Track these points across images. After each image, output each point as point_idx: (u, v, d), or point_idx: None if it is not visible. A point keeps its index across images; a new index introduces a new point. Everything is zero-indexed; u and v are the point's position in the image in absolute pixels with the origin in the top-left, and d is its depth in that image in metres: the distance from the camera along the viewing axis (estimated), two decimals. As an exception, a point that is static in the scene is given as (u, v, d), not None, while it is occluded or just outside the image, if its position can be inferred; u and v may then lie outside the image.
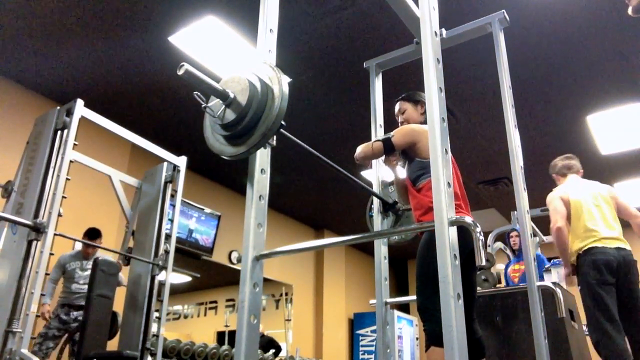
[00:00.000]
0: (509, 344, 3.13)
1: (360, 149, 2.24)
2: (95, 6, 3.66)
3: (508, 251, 4.94)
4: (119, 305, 3.62)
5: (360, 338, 8.20)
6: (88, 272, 4.07)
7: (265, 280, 4.41)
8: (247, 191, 1.43)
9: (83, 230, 4.17)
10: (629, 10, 1.91)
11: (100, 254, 4.20)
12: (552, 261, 3.92)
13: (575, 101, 4.69)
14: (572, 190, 3.29)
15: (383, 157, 2.31)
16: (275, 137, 1.39)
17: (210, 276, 7.65)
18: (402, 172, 2.40)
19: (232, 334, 7.17)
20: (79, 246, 4.23)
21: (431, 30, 1.47)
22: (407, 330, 8.44)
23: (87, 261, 4.15)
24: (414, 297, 2.15)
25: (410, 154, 2.22)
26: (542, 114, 4.89)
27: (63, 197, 2.90)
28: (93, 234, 4.11)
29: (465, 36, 2.68)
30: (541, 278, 3.79)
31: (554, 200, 3.25)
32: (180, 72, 1.27)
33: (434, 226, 1.21)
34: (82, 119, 3.09)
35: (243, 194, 1.50)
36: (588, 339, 3.43)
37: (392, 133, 2.23)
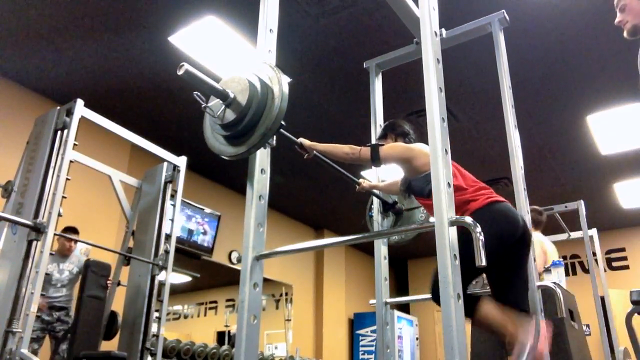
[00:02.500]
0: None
1: (348, 149, 2.08)
2: (95, 6, 3.66)
3: None
4: (118, 305, 3.62)
5: (360, 338, 8.20)
6: (66, 275, 4.05)
7: (265, 280, 4.41)
8: (247, 191, 1.43)
9: (83, 230, 4.16)
10: (625, 34, 1.95)
11: (77, 254, 4.16)
12: (552, 261, 3.92)
13: (575, 101, 4.69)
14: (546, 242, 4.04)
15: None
16: (275, 137, 1.39)
17: (210, 276, 7.64)
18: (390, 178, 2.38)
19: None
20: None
21: (431, 30, 1.47)
22: (407, 330, 8.44)
23: (64, 262, 4.06)
24: (414, 297, 2.16)
25: (411, 173, 2.11)
26: (542, 114, 4.89)
27: (63, 197, 2.90)
28: (73, 230, 4.04)
29: (465, 36, 2.68)
30: None
31: (538, 247, 3.93)
32: (180, 72, 1.27)
33: (434, 226, 1.21)
34: (82, 119, 3.09)
35: (243, 194, 1.50)
36: (588, 338, 3.44)
37: (382, 142, 2.14)
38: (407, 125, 2.33)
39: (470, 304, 1.85)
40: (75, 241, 4.01)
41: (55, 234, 2.86)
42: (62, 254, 4.10)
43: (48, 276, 3.93)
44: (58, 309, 3.97)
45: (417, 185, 2.09)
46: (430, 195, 2.09)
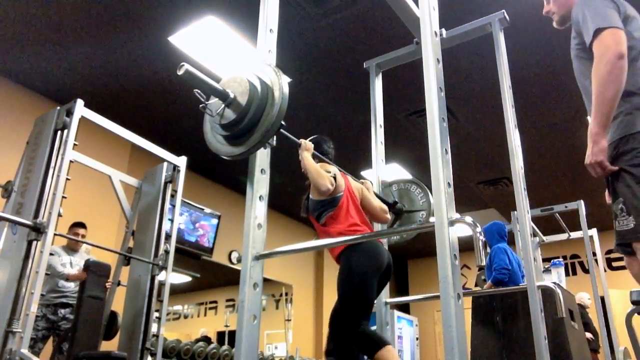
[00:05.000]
0: (509, 344, 3.13)
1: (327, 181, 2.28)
2: (95, 6, 3.66)
3: None
4: (119, 305, 3.62)
5: (360, 338, 8.18)
6: (76, 269, 4.05)
7: (265, 280, 4.41)
8: (247, 191, 1.42)
9: (83, 230, 4.16)
10: (554, 24, 1.98)
11: (84, 251, 4.18)
12: (552, 261, 3.92)
13: (575, 101, 4.69)
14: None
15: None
16: (275, 137, 1.39)
17: (210, 276, 7.64)
18: None
19: (232, 333, 7.17)
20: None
21: (431, 30, 1.47)
22: (407, 330, 8.44)
23: (74, 255, 4.08)
24: (414, 297, 2.19)
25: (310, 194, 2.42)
26: (542, 113, 4.89)
27: (63, 197, 2.90)
28: (81, 225, 4.07)
29: (465, 36, 2.68)
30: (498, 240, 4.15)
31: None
32: (180, 72, 1.27)
33: (433, 226, 1.21)
34: (82, 119, 3.08)
35: (243, 194, 1.50)
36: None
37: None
38: (326, 144, 2.61)
39: (373, 346, 2.05)
40: (78, 241, 4.01)
41: (55, 234, 2.86)
42: (72, 248, 4.11)
43: (62, 265, 3.94)
44: (64, 306, 3.96)
45: (311, 207, 2.41)
46: (319, 219, 2.36)
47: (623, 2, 1.69)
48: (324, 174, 2.26)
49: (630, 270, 1.63)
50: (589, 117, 1.67)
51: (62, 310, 3.92)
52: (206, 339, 6.37)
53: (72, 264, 4.04)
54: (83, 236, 4.03)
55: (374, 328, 2.29)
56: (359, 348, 2.13)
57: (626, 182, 1.53)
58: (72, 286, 3.98)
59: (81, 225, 4.07)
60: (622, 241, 1.56)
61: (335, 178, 2.33)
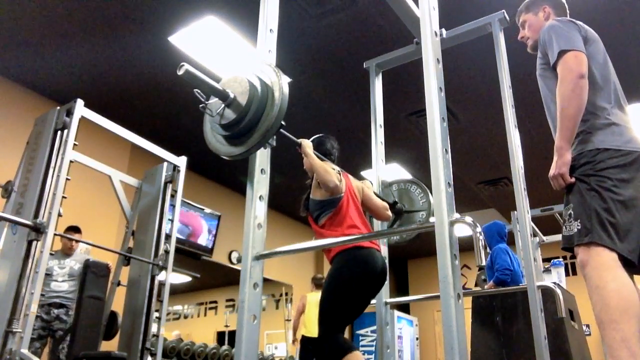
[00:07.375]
0: (509, 344, 3.13)
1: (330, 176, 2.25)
2: (95, 6, 3.66)
3: None
4: (118, 305, 3.62)
5: (360, 338, 8.20)
6: (66, 269, 4.07)
7: (265, 280, 4.41)
8: (247, 191, 1.42)
9: (83, 230, 4.16)
10: (528, 49, 2.13)
11: (79, 252, 4.21)
12: (552, 261, 3.92)
13: (575, 101, 4.68)
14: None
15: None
16: (275, 137, 1.39)
17: (210, 276, 7.64)
18: None
19: (232, 334, 7.17)
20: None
21: (431, 30, 1.47)
22: (407, 330, 8.44)
23: (65, 259, 4.09)
24: (414, 297, 2.19)
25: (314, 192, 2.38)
26: (542, 113, 4.88)
27: (63, 197, 2.90)
28: (75, 229, 4.09)
29: (465, 36, 2.68)
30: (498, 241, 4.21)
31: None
32: (180, 72, 1.27)
33: (434, 226, 1.21)
34: (82, 119, 3.08)
35: (243, 194, 1.50)
36: (589, 339, 3.43)
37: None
38: (330, 143, 2.57)
39: (340, 352, 2.04)
40: (77, 241, 4.02)
41: (55, 234, 2.86)
42: (65, 252, 4.13)
43: (48, 270, 3.96)
44: (58, 306, 3.96)
45: (311, 208, 2.39)
46: (318, 221, 2.32)
47: (584, 26, 1.85)
48: (330, 170, 2.26)
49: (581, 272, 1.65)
50: (553, 135, 1.81)
51: (56, 310, 3.93)
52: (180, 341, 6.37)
53: (63, 265, 4.06)
54: (76, 241, 4.04)
55: (373, 328, 2.29)
56: (327, 354, 2.10)
57: (578, 189, 1.66)
58: (65, 286, 4.00)
59: (75, 229, 4.07)
60: (567, 245, 1.66)
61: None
